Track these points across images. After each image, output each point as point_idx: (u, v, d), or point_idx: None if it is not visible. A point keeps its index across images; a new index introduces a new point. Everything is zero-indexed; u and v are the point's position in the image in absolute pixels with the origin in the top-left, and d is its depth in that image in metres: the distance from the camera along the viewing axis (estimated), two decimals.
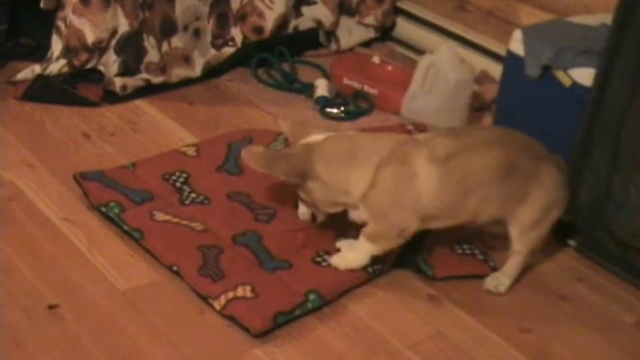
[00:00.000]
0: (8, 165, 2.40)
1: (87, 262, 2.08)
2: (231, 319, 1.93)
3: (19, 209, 2.23)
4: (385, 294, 2.10)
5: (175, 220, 2.19)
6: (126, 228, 2.16)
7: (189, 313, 1.96)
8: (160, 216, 2.19)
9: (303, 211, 2.16)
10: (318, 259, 2.12)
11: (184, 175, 2.37)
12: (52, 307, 1.93)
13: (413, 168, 1.98)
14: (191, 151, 2.48)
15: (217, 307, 1.95)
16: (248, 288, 1.98)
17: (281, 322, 1.93)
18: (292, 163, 2.02)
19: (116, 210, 2.20)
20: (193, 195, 2.30)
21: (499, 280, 2.14)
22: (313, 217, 2.16)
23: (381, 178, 1.99)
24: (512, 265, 2.14)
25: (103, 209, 2.22)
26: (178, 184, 2.34)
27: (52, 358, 1.81)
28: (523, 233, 2.10)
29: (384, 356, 1.92)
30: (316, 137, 2.08)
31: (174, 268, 2.06)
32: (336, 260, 2.10)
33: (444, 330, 2.01)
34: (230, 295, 1.96)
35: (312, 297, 1.99)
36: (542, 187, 2.08)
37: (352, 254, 2.10)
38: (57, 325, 1.89)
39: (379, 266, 2.10)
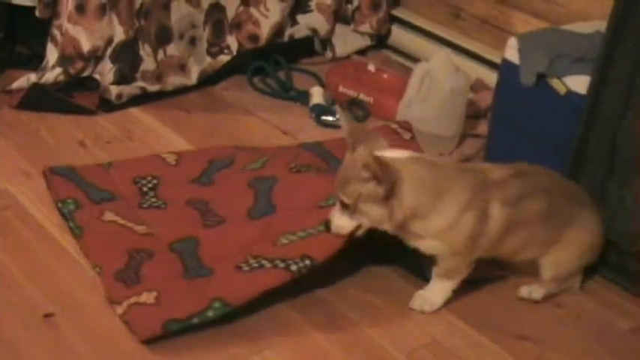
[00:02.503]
0: (4, 173, 2.40)
1: (82, 270, 2.08)
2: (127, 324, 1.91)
3: (14, 217, 2.23)
4: (382, 301, 2.10)
5: (122, 221, 2.19)
6: (71, 224, 2.18)
7: None
8: (108, 216, 2.21)
9: (342, 224, 1.99)
10: (242, 265, 2.01)
11: (155, 181, 2.38)
12: (47, 315, 1.93)
13: (489, 212, 2.00)
14: (171, 159, 2.48)
15: (119, 311, 1.93)
16: (153, 294, 1.96)
17: (174, 329, 1.88)
18: (390, 174, 1.91)
19: (71, 207, 2.22)
20: (153, 200, 2.30)
21: (534, 289, 2.15)
22: (350, 232, 2.01)
23: (464, 223, 1.98)
24: (550, 285, 2.16)
25: (60, 205, 2.23)
26: (145, 189, 2.35)
27: None
28: (552, 270, 2.13)
29: None
30: (396, 155, 1.97)
31: (97, 270, 2.05)
32: (419, 304, 2.08)
33: (440, 337, 2.01)
34: (132, 300, 1.94)
35: (216, 305, 1.92)
36: (582, 232, 2.13)
37: (434, 295, 2.08)
38: (52, 334, 1.89)
39: (306, 263, 1.99)
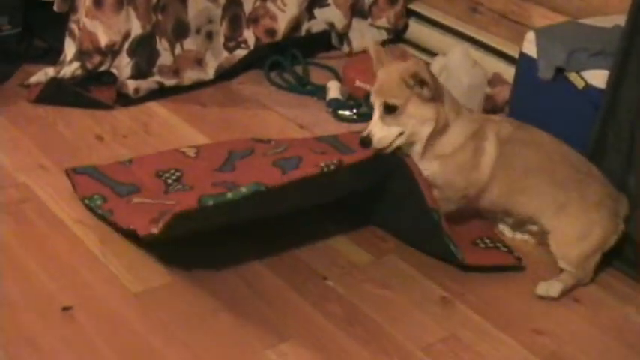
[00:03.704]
0: (22, 167, 2.41)
1: (100, 264, 2.09)
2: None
3: (32, 211, 2.24)
4: (398, 296, 2.10)
5: (149, 201, 2.21)
6: (100, 212, 2.19)
7: (202, 315, 1.97)
8: (137, 199, 2.22)
9: (385, 134, 2.08)
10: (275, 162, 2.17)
11: (178, 173, 2.39)
12: (65, 308, 1.94)
13: (484, 144, 2.17)
14: (191, 153, 2.49)
15: (160, 225, 1.93)
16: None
17: (209, 203, 1.88)
18: (436, 79, 2.14)
19: (99, 202, 2.23)
20: (179, 187, 2.32)
21: (550, 284, 2.15)
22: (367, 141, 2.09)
23: (465, 151, 2.15)
24: (565, 276, 2.16)
25: (87, 202, 2.24)
26: (170, 182, 2.36)
27: (66, 359, 1.82)
28: (561, 246, 2.15)
29: (397, 358, 1.92)
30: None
31: (132, 227, 2.05)
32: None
33: (456, 332, 2.00)
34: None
35: (251, 185, 1.92)
36: (584, 203, 2.14)
37: None
38: (70, 327, 1.90)
39: (335, 162, 2.02)
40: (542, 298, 2.13)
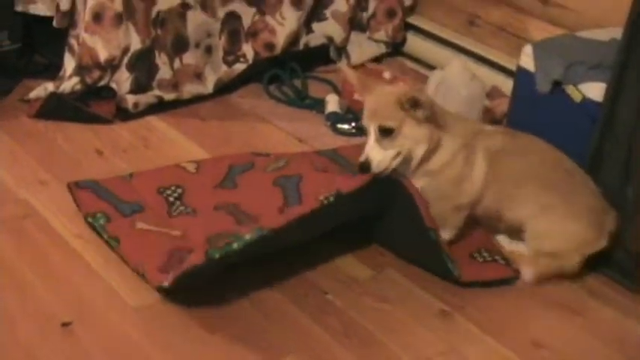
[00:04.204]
0: (22, 182, 2.42)
1: (100, 279, 2.09)
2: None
3: (32, 226, 2.25)
4: (397, 309, 2.10)
5: (156, 229, 2.21)
6: (105, 237, 2.19)
7: (202, 329, 1.97)
8: (141, 225, 2.22)
9: (383, 156, 2.11)
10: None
11: (179, 190, 2.39)
12: (65, 324, 1.94)
13: (474, 157, 2.22)
14: (191, 168, 2.49)
15: (170, 279, 1.95)
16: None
17: (215, 256, 1.92)
18: (430, 101, 2.17)
19: (102, 221, 2.23)
20: (182, 208, 2.32)
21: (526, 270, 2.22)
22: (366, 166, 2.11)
23: (455, 164, 2.20)
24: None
25: (90, 220, 2.24)
26: (171, 199, 2.36)
27: None
28: (533, 242, 2.21)
29: None
30: None
31: (140, 271, 2.06)
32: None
33: (455, 345, 2.00)
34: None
35: (254, 230, 1.96)
36: (566, 210, 2.20)
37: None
38: (70, 342, 1.90)
39: (333, 193, 2.03)
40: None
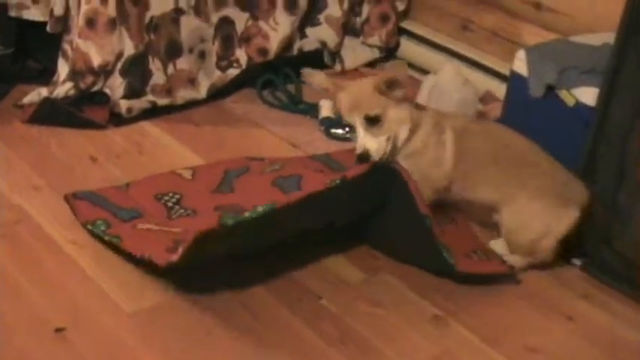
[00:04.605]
0: (15, 188, 2.41)
1: (93, 285, 2.09)
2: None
3: (26, 232, 2.24)
4: (390, 314, 2.10)
5: (157, 227, 2.21)
6: (106, 238, 2.18)
7: (196, 334, 1.97)
8: (142, 225, 2.22)
9: (377, 144, 2.15)
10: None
11: (177, 196, 2.39)
12: (59, 330, 1.94)
13: (444, 138, 2.25)
14: (187, 174, 2.49)
15: (180, 252, 1.92)
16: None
17: (229, 222, 1.93)
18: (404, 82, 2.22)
19: (102, 227, 2.23)
20: (182, 211, 2.32)
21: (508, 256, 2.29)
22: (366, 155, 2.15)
23: (429, 147, 2.24)
24: (517, 257, 2.30)
25: (90, 227, 2.24)
26: (170, 204, 2.36)
27: None
28: (508, 235, 2.28)
29: None
30: None
31: (147, 257, 2.03)
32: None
33: (449, 350, 2.01)
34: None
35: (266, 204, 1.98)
36: (527, 193, 2.24)
37: None
38: (64, 348, 1.89)
39: (337, 180, 2.07)
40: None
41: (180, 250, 1.91)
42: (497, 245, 2.32)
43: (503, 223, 2.29)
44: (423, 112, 2.26)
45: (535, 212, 2.24)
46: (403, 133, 2.21)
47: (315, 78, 2.34)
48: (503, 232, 2.29)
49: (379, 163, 2.14)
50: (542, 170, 2.27)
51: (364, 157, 2.14)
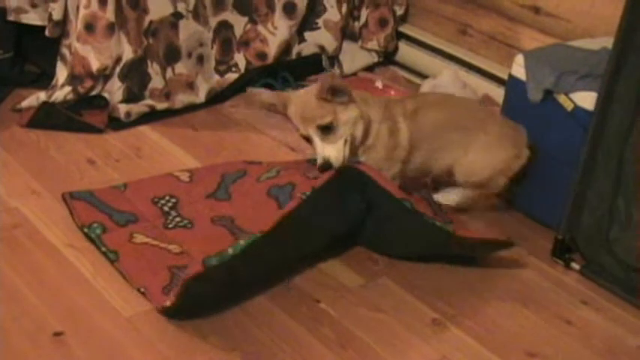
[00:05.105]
0: (13, 192, 2.41)
1: (91, 289, 2.09)
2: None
3: (24, 236, 2.24)
4: (390, 318, 2.10)
5: (154, 242, 2.21)
6: (103, 249, 2.18)
7: (194, 338, 1.97)
8: (139, 238, 2.22)
9: (336, 152, 2.20)
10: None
11: (173, 200, 2.39)
12: (57, 334, 1.93)
13: (398, 125, 2.35)
14: (184, 177, 2.50)
15: (172, 298, 1.95)
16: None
17: (212, 263, 1.91)
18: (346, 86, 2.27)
19: (98, 231, 2.23)
20: (178, 219, 2.32)
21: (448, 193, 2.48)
22: (327, 164, 2.19)
23: (381, 135, 2.32)
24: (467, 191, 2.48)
25: (86, 230, 2.24)
26: (166, 209, 2.36)
27: None
28: (465, 176, 2.43)
29: None
30: None
31: (142, 290, 2.06)
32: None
33: (448, 354, 2.00)
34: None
35: (249, 237, 1.99)
36: (486, 137, 2.40)
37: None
38: (62, 352, 1.89)
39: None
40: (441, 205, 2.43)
41: (172, 295, 1.96)
42: (442, 197, 2.47)
43: (462, 170, 2.41)
44: (372, 106, 2.31)
45: (495, 153, 2.39)
46: (358, 132, 2.26)
47: (259, 96, 2.37)
48: (459, 174, 2.41)
49: (342, 167, 2.18)
50: (495, 120, 2.45)
51: (326, 166, 2.19)
